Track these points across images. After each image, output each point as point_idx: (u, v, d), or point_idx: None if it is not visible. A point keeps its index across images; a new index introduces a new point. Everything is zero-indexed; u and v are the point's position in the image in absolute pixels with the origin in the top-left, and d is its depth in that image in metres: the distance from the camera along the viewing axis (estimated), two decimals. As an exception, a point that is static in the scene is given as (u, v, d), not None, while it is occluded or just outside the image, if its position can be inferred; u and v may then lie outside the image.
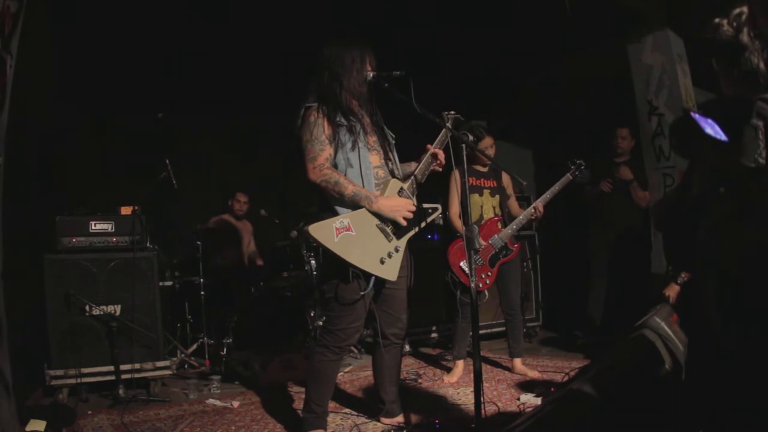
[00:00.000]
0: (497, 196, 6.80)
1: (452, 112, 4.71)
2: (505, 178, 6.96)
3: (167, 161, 7.22)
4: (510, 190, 7.00)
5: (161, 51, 8.09)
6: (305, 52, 4.91)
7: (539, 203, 6.44)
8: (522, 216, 6.53)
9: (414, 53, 8.20)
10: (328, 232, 4.28)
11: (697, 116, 2.33)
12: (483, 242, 6.49)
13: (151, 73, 8.37)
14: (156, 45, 7.93)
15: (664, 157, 7.58)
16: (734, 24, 2.33)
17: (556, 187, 6.53)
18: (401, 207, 4.46)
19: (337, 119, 4.46)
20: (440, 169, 4.77)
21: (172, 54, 8.20)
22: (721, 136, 2.28)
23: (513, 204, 6.97)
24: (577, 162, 6.55)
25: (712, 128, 2.30)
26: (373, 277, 4.41)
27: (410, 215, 4.49)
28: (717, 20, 2.37)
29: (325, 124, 4.43)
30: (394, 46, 6.85)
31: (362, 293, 4.40)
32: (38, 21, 5.61)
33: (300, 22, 7.87)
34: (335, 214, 4.40)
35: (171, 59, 8.31)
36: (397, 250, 4.51)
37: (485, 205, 6.72)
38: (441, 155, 4.68)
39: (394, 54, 5.37)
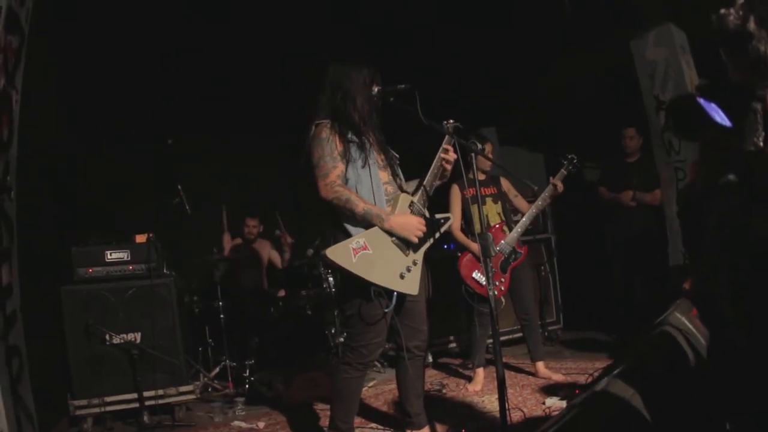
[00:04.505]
0: (499, 203, 6.85)
1: (452, 121, 4.68)
2: (505, 183, 7.02)
3: (179, 186, 7.24)
4: (514, 191, 7.03)
5: (169, 76, 8.14)
6: (310, 67, 4.91)
7: (557, 180, 6.47)
8: (546, 192, 6.52)
9: (417, 61, 8.23)
10: (345, 253, 4.26)
11: (702, 101, 2.32)
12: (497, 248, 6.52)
13: (160, 98, 8.41)
14: (163, 70, 7.98)
15: (674, 151, 7.58)
16: (740, 13, 2.32)
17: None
18: (413, 226, 4.43)
19: (349, 136, 4.45)
20: (453, 158, 4.71)
21: (180, 79, 8.25)
22: (726, 121, 2.27)
23: (521, 202, 7.00)
24: (570, 156, 6.60)
25: (716, 113, 2.29)
26: (395, 293, 4.39)
27: (421, 233, 4.46)
28: (723, 10, 2.37)
29: (337, 140, 4.42)
30: (397, 55, 6.89)
31: (386, 311, 4.39)
32: (42, 52, 5.64)
33: (307, 45, 7.90)
34: (346, 231, 4.38)
35: (179, 84, 8.35)
36: (415, 264, 4.49)
37: (489, 213, 6.75)
38: (450, 151, 4.64)
39: (397, 62, 5.38)
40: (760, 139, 2.16)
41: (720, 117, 2.28)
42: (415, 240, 4.44)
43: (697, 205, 2.67)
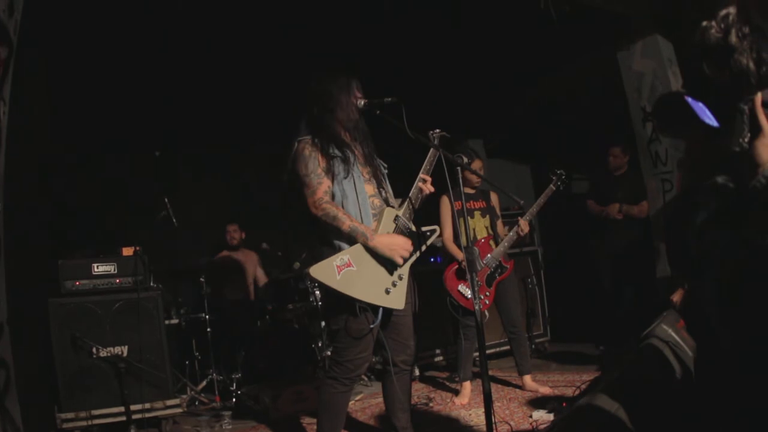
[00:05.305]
0: (488, 216, 6.87)
1: (438, 131, 4.68)
2: (494, 198, 7.05)
3: (166, 199, 7.24)
4: (497, 211, 7.06)
5: (156, 88, 8.12)
6: (301, 80, 4.90)
7: (524, 221, 6.52)
8: (512, 233, 6.58)
9: (407, 74, 8.24)
10: (329, 271, 4.25)
11: (690, 100, 2.33)
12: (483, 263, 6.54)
13: (146, 111, 8.39)
14: (150, 83, 7.96)
15: (661, 162, 7.61)
16: (722, 25, 2.32)
17: (541, 200, 6.67)
18: (399, 246, 4.41)
19: (331, 151, 4.45)
20: (429, 191, 4.72)
21: (167, 91, 8.22)
22: (713, 122, 2.28)
23: (499, 226, 7.00)
24: (558, 172, 6.65)
25: (704, 113, 2.29)
26: (381, 309, 4.39)
27: (407, 254, 4.44)
28: (705, 23, 2.37)
29: (320, 156, 4.41)
30: (386, 67, 6.88)
31: (371, 326, 4.38)
32: (33, 64, 5.63)
33: (293, 53, 7.92)
34: (333, 246, 4.38)
35: (166, 96, 8.32)
36: (401, 278, 4.48)
37: (477, 226, 6.77)
38: (428, 182, 4.66)
39: (386, 75, 5.38)
40: (746, 140, 2.17)
41: (707, 117, 2.29)
42: (400, 261, 4.42)
43: (682, 206, 2.67)
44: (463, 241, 4.89)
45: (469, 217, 6.66)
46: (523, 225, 6.52)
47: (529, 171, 10.95)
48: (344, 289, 4.25)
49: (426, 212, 4.97)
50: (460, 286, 6.51)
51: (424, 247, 4.69)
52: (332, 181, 4.41)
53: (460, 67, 9.02)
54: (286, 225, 8.75)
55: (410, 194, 4.65)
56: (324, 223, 4.36)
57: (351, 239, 4.36)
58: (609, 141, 8.22)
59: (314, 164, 4.39)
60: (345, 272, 4.27)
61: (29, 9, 5.03)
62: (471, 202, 6.78)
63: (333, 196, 4.41)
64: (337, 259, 4.28)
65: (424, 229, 4.69)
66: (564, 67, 8.93)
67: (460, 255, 6.53)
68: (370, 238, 4.34)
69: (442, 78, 9.08)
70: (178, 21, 7.09)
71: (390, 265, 4.44)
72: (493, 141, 10.34)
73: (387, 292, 4.40)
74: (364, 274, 4.33)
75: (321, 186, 4.38)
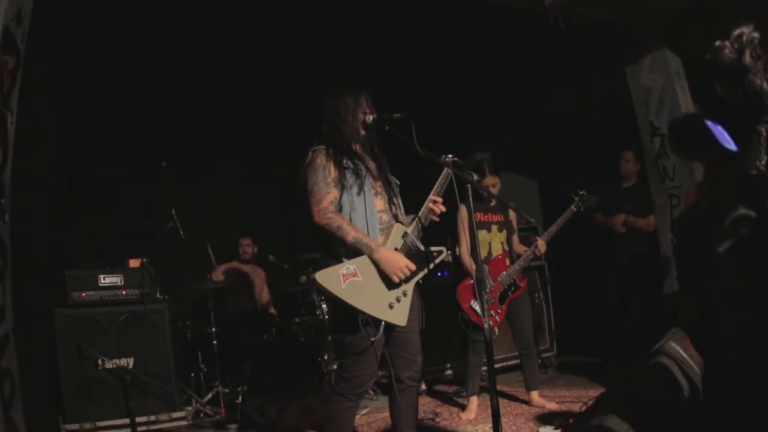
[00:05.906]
0: (504, 231, 6.82)
1: (450, 156, 4.65)
2: (512, 212, 6.96)
3: (173, 211, 7.22)
4: (514, 226, 7.01)
5: (160, 99, 8.13)
6: (310, 93, 4.90)
7: (542, 240, 6.50)
8: (528, 252, 6.55)
9: (414, 89, 8.22)
10: (335, 278, 4.23)
11: (709, 123, 2.31)
12: (493, 282, 6.50)
13: (152, 122, 8.38)
14: (154, 94, 7.96)
15: (669, 177, 7.59)
16: (736, 45, 2.31)
17: (561, 221, 6.61)
18: (399, 266, 4.36)
19: (344, 162, 4.44)
20: (438, 219, 4.70)
21: (172, 102, 8.23)
22: (731, 145, 2.26)
23: (514, 240, 6.98)
24: (581, 193, 6.61)
25: (722, 136, 2.27)
26: (383, 323, 4.36)
27: (403, 276, 4.40)
28: (718, 43, 2.35)
29: (332, 166, 4.40)
30: (394, 85, 6.87)
31: (372, 339, 4.36)
32: (37, 75, 5.62)
33: (300, 67, 7.92)
34: (338, 258, 4.36)
35: (172, 107, 8.33)
36: (405, 295, 4.45)
37: (493, 241, 6.73)
38: (439, 203, 4.63)
39: (395, 92, 5.36)
40: (763, 162, 2.16)
41: (726, 141, 2.27)
42: (396, 280, 4.37)
43: (698, 230, 2.64)
44: (468, 259, 4.85)
45: (485, 231, 6.69)
46: (541, 245, 6.51)
47: (536, 185, 10.90)
48: (348, 298, 4.22)
49: (441, 223, 4.92)
50: (472, 301, 6.47)
51: (432, 265, 4.66)
52: (341, 193, 4.40)
53: (460, 69, 9.00)
54: (294, 237, 8.74)
55: (419, 214, 4.62)
56: (328, 233, 4.33)
57: (355, 251, 4.33)
58: (618, 154, 8.17)
59: (324, 174, 4.37)
60: (350, 282, 4.24)
61: (38, 16, 5.04)
62: (490, 214, 6.76)
63: (341, 208, 4.39)
64: (343, 268, 4.25)
65: (432, 248, 4.66)
66: (573, 82, 8.93)
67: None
68: (374, 249, 4.31)
69: (442, 79, 9.05)
70: (189, 31, 7.11)
71: (395, 281, 4.42)
72: (501, 153, 10.30)
73: (390, 306, 4.38)
74: (368, 286, 4.30)
75: (327, 196, 4.36)
